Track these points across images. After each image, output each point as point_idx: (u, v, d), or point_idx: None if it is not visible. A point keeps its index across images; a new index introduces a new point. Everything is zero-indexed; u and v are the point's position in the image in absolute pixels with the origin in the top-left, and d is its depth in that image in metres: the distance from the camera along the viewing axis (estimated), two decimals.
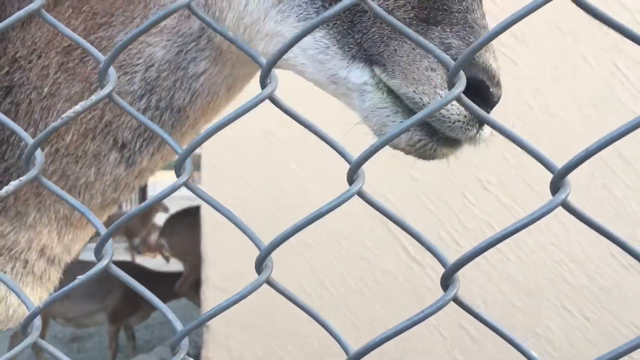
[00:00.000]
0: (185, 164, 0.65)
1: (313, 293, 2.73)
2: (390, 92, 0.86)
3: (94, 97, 0.70)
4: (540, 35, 2.59)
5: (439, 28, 0.83)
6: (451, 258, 0.54)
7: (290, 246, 2.77)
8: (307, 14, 0.92)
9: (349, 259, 2.74)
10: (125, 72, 1.12)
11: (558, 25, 2.59)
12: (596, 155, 0.46)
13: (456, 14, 0.84)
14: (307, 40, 0.89)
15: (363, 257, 2.75)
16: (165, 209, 8.35)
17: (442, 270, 0.54)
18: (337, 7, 0.57)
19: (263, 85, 0.61)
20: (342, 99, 0.95)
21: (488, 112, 0.80)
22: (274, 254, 0.59)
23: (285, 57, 0.75)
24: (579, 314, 2.54)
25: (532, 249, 2.58)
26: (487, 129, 0.87)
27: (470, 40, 0.82)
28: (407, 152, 0.88)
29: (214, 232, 2.78)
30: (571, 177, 0.47)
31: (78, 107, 0.72)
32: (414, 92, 0.82)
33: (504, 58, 2.61)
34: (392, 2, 0.86)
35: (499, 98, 0.83)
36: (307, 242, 2.78)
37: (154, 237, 8.01)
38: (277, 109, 0.63)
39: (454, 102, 0.76)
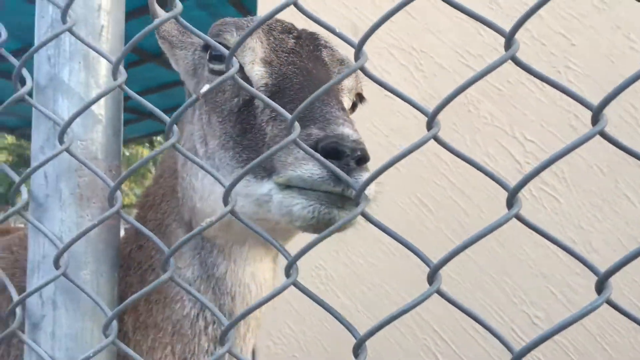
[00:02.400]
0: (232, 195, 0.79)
1: None
2: (286, 187, 1.07)
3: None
4: (581, 175, 2.72)
5: (306, 126, 1.06)
6: None
7: None
8: (229, 164, 1.21)
9: None
10: (175, 301, 1.35)
11: (599, 166, 2.72)
12: None
13: (317, 115, 1.09)
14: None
15: None
16: None
17: None
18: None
19: None
20: (267, 220, 1.15)
21: (352, 164, 1.00)
22: None
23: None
24: None
25: None
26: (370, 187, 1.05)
27: (326, 128, 1.05)
28: (314, 227, 1.04)
29: None
30: None
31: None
32: (292, 171, 1.03)
33: (546, 196, 2.73)
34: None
35: (354, 150, 1.00)
36: None
37: None
38: None
39: (314, 165, 1.00)
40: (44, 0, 0.97)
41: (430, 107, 0.74)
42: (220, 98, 1.29)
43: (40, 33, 0.98)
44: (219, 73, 1.29)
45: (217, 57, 1.30)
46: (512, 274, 2.72)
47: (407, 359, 2.83)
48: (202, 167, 0.88)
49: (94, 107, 0.96)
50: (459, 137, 2.89)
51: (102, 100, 0.97)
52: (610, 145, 2.65)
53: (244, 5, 5.59)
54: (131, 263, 1.40)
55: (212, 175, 0.86)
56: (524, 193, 2.79)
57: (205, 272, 1.35)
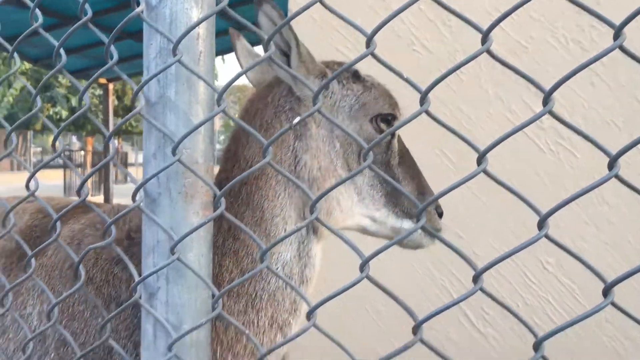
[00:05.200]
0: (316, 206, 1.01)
1: None
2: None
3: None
4: (596, 129, 2.87)
5: (427, 193, 1.72)
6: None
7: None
8: (376, 201, 1.65)
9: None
10: (271, 276, 1.56)
11: (614, 122, 2.87)
12: None
13: (426, 186, 1.74)
14: (377, 214, 1.64)
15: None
16: None
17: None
18: None
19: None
20: (389, 234, 1.67)
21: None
22: None
23: (361, 223, 1.66)
24: None
25: None
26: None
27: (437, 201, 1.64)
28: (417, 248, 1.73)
29: None
30: None
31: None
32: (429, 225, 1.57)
33: (564, 150, 2.91)
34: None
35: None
36: (378, 309, 3.06)
37: None
38: None
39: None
40: (152, 29, 1.14)
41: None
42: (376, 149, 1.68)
43: (150, 58, 1.16)
44: (380, 131, 1.68)
45: (386, 120, 1.69)
46: (528, 224, 2.95)
47: (424, 296, 3.11)
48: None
49: (194, 120, 1.15)
50: (483, 93, 3.04)
51: (201, 114, 1.16)
52: (625, 103, 2.80)
53: None
54: (226, 251, 1.56)
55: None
56: (542, 148, 2.97)
57: (299, 254, 1.59)
